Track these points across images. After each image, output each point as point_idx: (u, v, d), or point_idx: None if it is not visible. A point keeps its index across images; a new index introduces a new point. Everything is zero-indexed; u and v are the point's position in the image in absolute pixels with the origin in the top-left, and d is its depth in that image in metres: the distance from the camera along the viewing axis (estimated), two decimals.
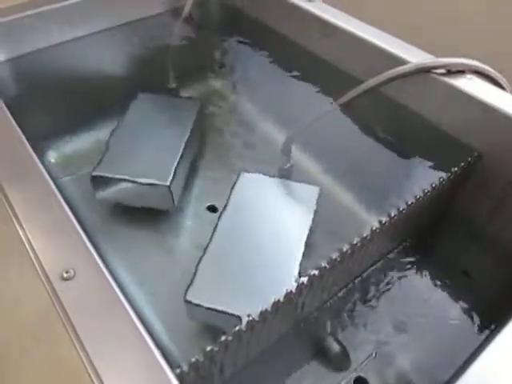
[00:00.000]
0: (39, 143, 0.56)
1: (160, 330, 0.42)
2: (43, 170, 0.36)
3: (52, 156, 0.58)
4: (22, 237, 0.30)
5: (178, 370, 0.26)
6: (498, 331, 0.29)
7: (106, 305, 0.26)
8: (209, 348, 0.28)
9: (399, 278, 0.47)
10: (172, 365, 0.26)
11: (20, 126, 0.41)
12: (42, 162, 0.37)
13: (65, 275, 0.27)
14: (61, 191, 0.35)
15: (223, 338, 0.29)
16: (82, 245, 0.29)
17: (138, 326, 0.26)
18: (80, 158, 0.57)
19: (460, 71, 0.45)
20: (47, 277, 0.28)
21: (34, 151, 0.38)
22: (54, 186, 0.34)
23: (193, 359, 0.27)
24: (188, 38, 0.64)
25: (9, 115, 0.42)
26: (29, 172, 0.36)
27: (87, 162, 0.51)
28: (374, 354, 0.42)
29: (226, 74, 0.70)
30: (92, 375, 0.24)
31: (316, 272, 0.33)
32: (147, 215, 0.51)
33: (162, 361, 0.25)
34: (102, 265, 0.28)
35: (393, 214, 0.37)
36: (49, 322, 0.28)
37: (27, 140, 0.39)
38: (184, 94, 0.66)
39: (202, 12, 0.66)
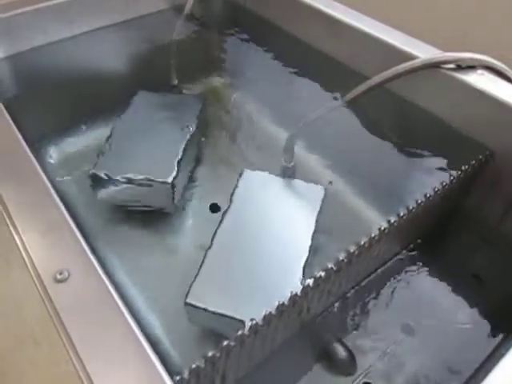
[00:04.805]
0: (38, 142, 0.56)
1: (160, 334, 0.41)
2: (39, 169, 0.35)
3: (52, 155, 0.57)
4: (15, 237, 0.29)
5: (178, 377, 0.25)
6: None
7: (101, 308, 0.25)
8: (210, 353, 0.27)
9: (407, 280, 0.46)
10: (172, 371, 0.25)
11: (18, 125, 0.40)
12: (41, 162, 0.36)
13: (58, 277, 0.26)
14: (60, 191, 0.34)
15: (225, 343, 0.28)
16: (78, 245, 0.28)
17: (134, 330, 0.25)
18: (80, 157, 0.56)
19: (470, 66, 0.44)
20: (40, 278, 0.26)
21: (33, 150, 0.37)
22: (50, 186, 0.33)
23: (193, 365, 0.26)
24: (190, 35, 0.64)
25: (5, 113, 0.41)
26: (24, 171, 0.35)
27: (88, 160, 0.50)
28: (381, 359, 0.40)
29: (229, 71, 0.69)
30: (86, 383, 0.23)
31: (322, 274, 0.32)
32: (148, 214, 0.50)
33: (161, 368, 0.24)
34: (97, 266, 0.27)
35: (402, 214, 0.36)
36: (46, 325, 0.27)
37: (25, 139, 0.38)
38: (186, 91, 0.65)
39: (205, 9, 0.65)
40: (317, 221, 0.44)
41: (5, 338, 0.30)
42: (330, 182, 0.53)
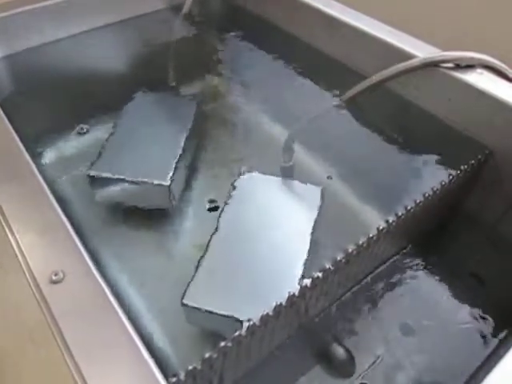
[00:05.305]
0: (35, 142, 0.55)
1: (157, 335, 0.40)
2: (35, 170, 0.34)
3: (48, 156, 0.57)
4: (10, 237, 0.29)
5: (174, 379, 0.25)
6: None
7: (96, 309, 0.25)
8: (207, 355, 0.27)
9: (406, 280, 0.46)
10: (168, 373, 0.25)
11: (14, 125, 0.40)
12: (38, 162, 0.36)
13: (53, 278, 0.26)
14: (57, 191, 0.34)
15: (222, 344, 0.28)
16: (73, 246, 0.28)
17: (130, 331, 0.24)
18: (77, 157, 0.56)
19: (470, 66, 0.44)
20: (35, 279, 0.26)
21: (29, 151, 0.37)
22: (46, 186, 0.33)
23: (190, 367, 0.26)
24: (188, 35, 0.63)
25: (2, 114, 0.41)
26: (20, 172, 0.34)
27: (85, 160, 0.49)
28: (380, 360, 0.40)
29: (227, 72, 0.69)
30: None
31: (320, 274, 0.32)
32: (146, 215, 0.50)
33: (156, 369, 0.23)
34: (92, 266, 0.27)
35: (400, 214, 0.36)
36: (43, 325, 0.27)
37: (21, 139, 0.38)
38: (184, 91, 0.65)
39: (203, 8, 0.65)
40: (315, 221, 0.44)
41: (3, 337, 0.30)
42: (329, 177, 0.53)
